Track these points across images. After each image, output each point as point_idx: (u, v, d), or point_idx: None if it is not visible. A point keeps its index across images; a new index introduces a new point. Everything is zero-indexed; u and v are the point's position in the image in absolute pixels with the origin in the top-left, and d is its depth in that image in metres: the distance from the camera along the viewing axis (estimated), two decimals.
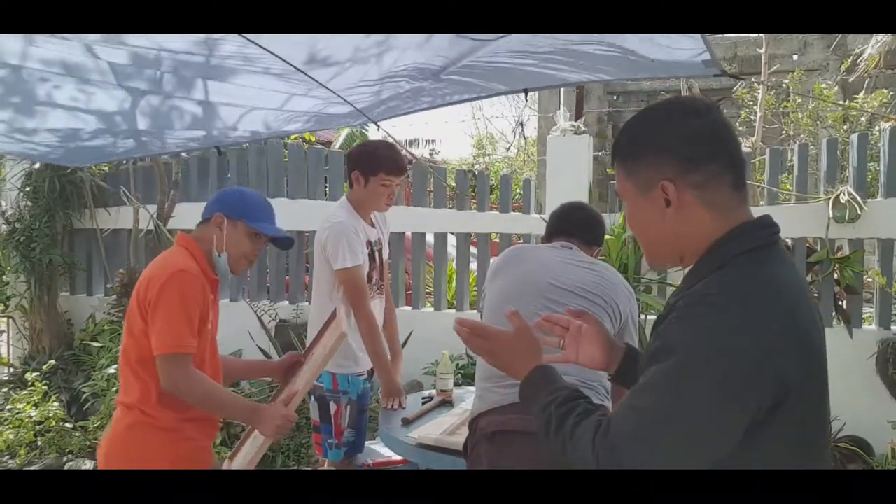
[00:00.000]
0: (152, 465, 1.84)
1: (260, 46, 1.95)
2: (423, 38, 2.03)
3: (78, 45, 1.94)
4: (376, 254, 2.82)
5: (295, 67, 2.17)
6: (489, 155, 15.67)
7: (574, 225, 2.23)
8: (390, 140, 3.13)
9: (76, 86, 2.35)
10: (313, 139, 7.28)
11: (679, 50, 2.01)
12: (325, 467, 2.86)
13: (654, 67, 2.23)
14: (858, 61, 6.60)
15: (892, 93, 6.39)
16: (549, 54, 2.34)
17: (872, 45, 6.21)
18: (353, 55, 2.15)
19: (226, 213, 2.01)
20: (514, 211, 4.83)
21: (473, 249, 5.09)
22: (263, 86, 2.44)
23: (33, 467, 4.10)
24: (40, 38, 1.84)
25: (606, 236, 3.51)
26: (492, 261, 2.32)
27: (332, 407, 2.71)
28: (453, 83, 2.69)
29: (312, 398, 2.76)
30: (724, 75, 2.26)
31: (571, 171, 4.48)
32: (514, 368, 1.26)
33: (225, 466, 2.06)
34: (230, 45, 1.94)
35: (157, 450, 1.89)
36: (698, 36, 1.84)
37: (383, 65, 2.30)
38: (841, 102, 6.38)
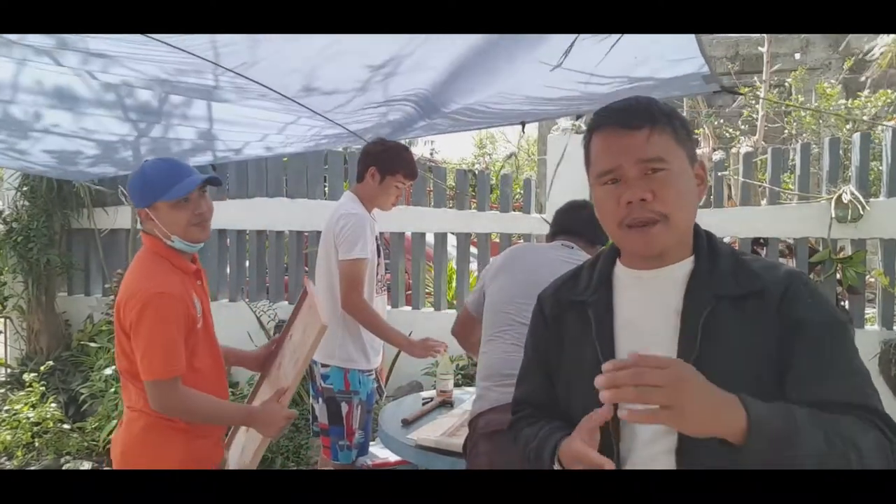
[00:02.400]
0: (167, 462, 1.89)
1: (263, 85, 2.00)
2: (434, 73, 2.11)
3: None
4: (380, 248, 2.83)
5: (301, 105, 2.22)
6: (490, 154, 15.67)
7: (576, 224, 2.22)
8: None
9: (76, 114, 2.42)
10: None
11: (678, 65, 2.03)
12: (330, 468, 2.84)
13: (653, 88, 2.26)
14: (868, 58, 6.54)
15: (894, 93, 6.38)
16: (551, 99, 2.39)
17: (880, 46, 6.15)
18: (362, 85, 2.19)
19: (143, 206, 1.91)
20: (514, 211, 4.82)
21: (473, 249, 5.09)
22: (264, 113, 2.48)
23: (31, 468, 4.09)
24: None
25: None
26: (492, 259, 2.30)
27: (344, 408, 2.71)
28: (454, 119, 2.75)
29: (320, 401, 2.74)
30: (724, 91, 2.31)
31: (572, 170, 4.47)
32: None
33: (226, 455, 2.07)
34: (227, 76, 1.98)
35: (173, 448, 1.92)
36: (697, 51, 1.85)
37: (388, 90, 2.35)
38: (842, 112, 6.34)
